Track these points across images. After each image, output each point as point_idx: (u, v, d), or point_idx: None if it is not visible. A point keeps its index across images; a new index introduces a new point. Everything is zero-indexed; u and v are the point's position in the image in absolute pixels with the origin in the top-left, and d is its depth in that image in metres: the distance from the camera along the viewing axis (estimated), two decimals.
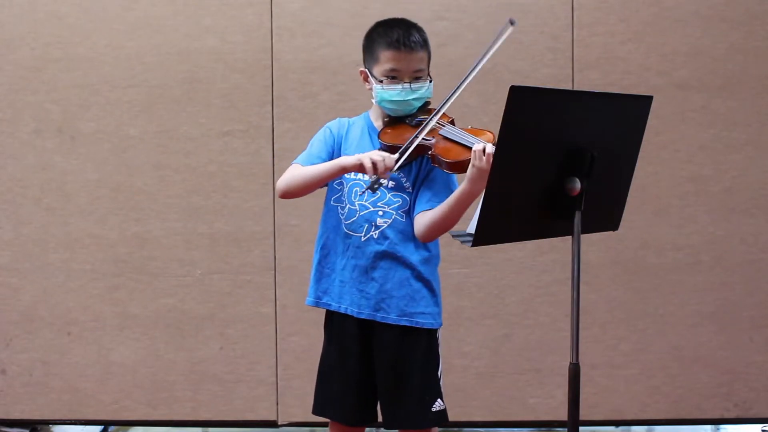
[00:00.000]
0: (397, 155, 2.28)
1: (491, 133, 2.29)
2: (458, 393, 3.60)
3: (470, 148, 2.24)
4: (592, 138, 2.05)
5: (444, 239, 2.49)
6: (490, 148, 2.17)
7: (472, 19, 3.55)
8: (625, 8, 3.54)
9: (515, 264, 3.59)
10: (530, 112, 1.98)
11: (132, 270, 3.62)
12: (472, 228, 2.18)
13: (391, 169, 2.27)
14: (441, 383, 2.49)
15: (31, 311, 3.63)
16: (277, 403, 3.63)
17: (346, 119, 2.56)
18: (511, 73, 3.51)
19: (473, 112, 3.46)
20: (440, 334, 2.53)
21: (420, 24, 2.47)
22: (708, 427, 3.74)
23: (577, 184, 2.02)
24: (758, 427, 3.72)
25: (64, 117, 3.60)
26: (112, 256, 3.61)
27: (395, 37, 2.38)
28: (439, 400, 2.47)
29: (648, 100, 2.18)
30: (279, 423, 3.64)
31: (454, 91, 2.29)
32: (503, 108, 1.93)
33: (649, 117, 2.18)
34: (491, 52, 2.26)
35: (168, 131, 3.59)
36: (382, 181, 2.29)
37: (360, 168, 2.30)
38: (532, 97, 2.02)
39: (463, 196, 2.26)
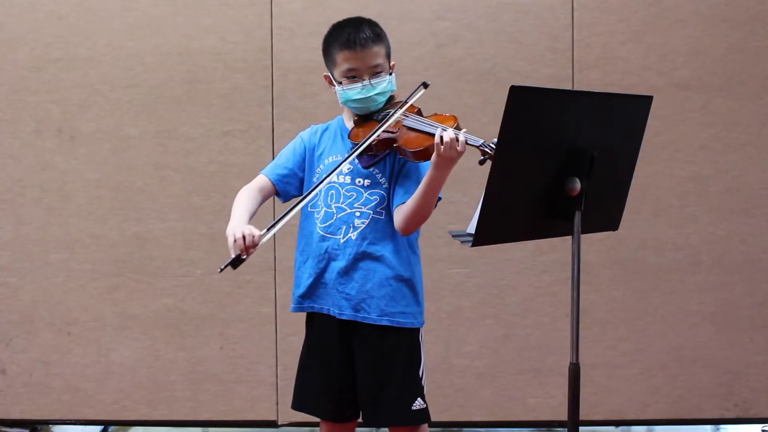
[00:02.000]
0: (264, 231, 2.28)
1: (454, 117, 2.31)
2: (458, 393, 3.60)
3: (433, 135, 2.25)
4: (592, 138, 2.05)
5: (444, 239, 2.49)
6: (449, 135, 2.18)
7: (472, 19, 3.55)
8: (625, 8, 3.54)
9: (515, 264, 3.59)
10: (530, 112, 1.98)
11: (132, 270, 3.62)
12: (472, 228, 2.18)
13: (255, 246, 2.26)
14: (423, 382, 2.49)
15: (31, 311, 3.64)
16: (277, 403, 3.63)
17: (319, 125, 2.59)
18: (511, 73, 3.51)
19: (473, 112, 3.46)
20: (423, 333, 2.52)
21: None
22: (708, 427, 3.74)
23: (577, 184, 2.03)
24: (758, 427, 3.72)
25: (64, 117, 3.60)
26: (112, 256, 3.61)
27: (345, 37, 2.42)
28: (419, 399, 2.47)
29: (648, 100, 2.18)
30: (279, 423, 3.64)
31: (370, 137, 2.34)
32: (503, 108, 1.93)
33: (649, 117, 2.18)
34: (405, 108, 2.35)
35: (168, 131, 3.59)
36: (243, 257, 2.26)
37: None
38: (532, 97, 2.02)
39: (432, 182, 2.27)
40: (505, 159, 1.97)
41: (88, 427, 3.79)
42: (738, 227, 3.58)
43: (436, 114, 2.37)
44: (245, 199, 2.47)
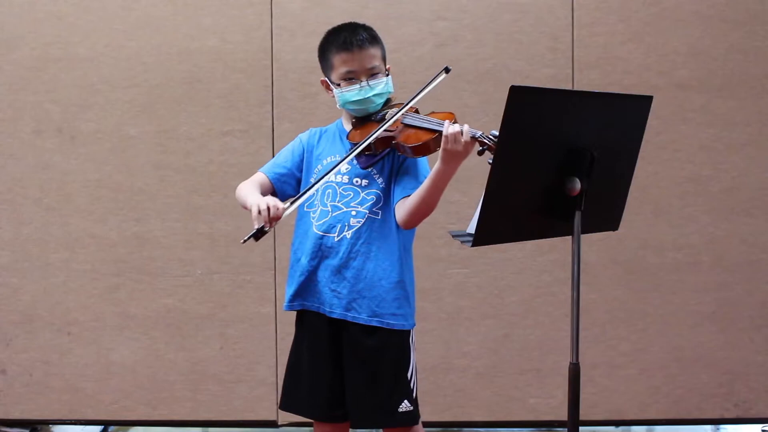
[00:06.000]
0: (287, 204, 2.32)
1: (451, 114, 2.32)
2: (458, 393, 3.60)
3: (432, 131, 2.28)
4: (592, 138, 2.05)
5: (444, 239, 2.49)
6: (454, 128, 2.20)
7: (472, 19, 3.55)
8: (625, 8, 3.54)
9: (515, 264, 3.59)
10: (530, 112, 1.98)
11: (132, 270, 3.62)
12: (472, 228, 2.18)
13: (278, 219, 2.28)
14: (413, 384, 2.49)
15: (31, 311, 3.64)
16: (277, 403, 3.63)
17: (318, 128, 2.62)
18: (511, 73, 3.51)
19: (473, 112, 3.46)
20: (413, 334, 2.52)
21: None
22: (708, 427, 3.74)
23: (577, 184, 2.03)
24: (758, 427, 3.72)
25: (64, 117, 3.60)
26: (112, 256, 3.61)
27: (342, 39, 2.44)
28: (406, 401, 2.47)
29: (648, 100, 2.18)
30: (279, 423, 3.64)
31: (379, 128, 2.34)
32: (503, 108, 1.93)
33: (649, 117, 2.18)
34: (423, 94, 2.35)
35: (168, 131, 3.59)
36: (266, 229, 2.28)
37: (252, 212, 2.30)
38: (532, 97, 2.03)
39: (437, 176, 2.28)
40: (505, 159, 1.97)
41: (88, 427, 3.79)
42: (738, 227, 3.58)
43: (433, 112, 2.38)
44: (251, 186, 2.49)
